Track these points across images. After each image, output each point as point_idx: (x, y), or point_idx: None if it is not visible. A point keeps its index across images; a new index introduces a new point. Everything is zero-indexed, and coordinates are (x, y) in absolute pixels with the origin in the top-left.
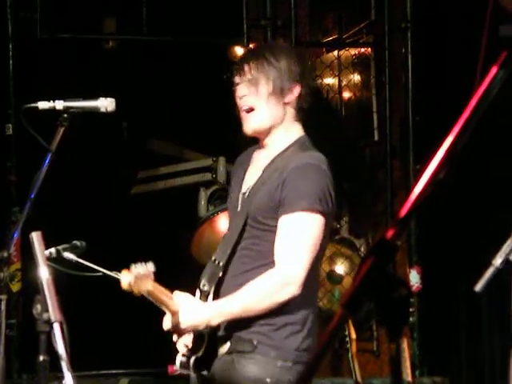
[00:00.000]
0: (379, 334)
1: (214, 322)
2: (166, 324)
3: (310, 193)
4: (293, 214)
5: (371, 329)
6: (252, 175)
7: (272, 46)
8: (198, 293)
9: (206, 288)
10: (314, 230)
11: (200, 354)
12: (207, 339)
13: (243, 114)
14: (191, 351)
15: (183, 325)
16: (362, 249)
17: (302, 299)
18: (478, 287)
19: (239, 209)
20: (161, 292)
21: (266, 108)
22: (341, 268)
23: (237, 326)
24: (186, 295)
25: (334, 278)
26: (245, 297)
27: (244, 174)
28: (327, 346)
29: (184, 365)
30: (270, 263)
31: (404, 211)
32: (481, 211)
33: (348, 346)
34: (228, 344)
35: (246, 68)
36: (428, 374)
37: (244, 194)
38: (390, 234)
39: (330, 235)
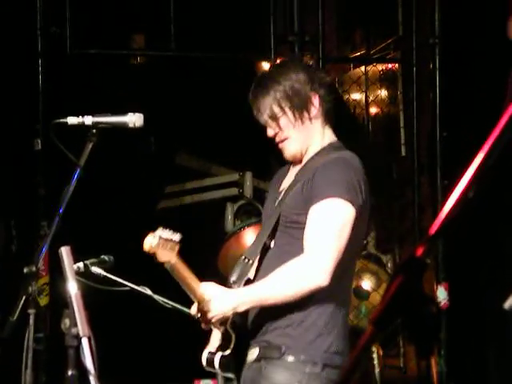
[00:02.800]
0: (406, 351)
1: (242, 307)
2: (194, 310)
3: (336, 182)
4: (319, 202)
5: (398, 345)
6: (286, 182)
7: (270, 73)
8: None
9: (234, 286)
10: (342, 217)
11: (226, 352)
12: (235, 338)
13: (279, 145)
14: (218, 349)
15: (212, 312)
16: (389, 264)
17: (331, 298)
18: (507, 305)
19: (272, 210)
20: (185, 271)
21: (296, 134)
22: (367, 284)
23: (264, 330)
24: (211, 283)
25: (360, 293)
26: (272, 282)
27: (280, 185)
28: (357, 363)
29: (210, 362)
30: None
31: (434, 229)
32: (508, 228)
33: (374, 362)
34: (257, 350)
35: (261, 107)
36: None
37: (277, 197)
38: (419, 251)
39: (365, 233)
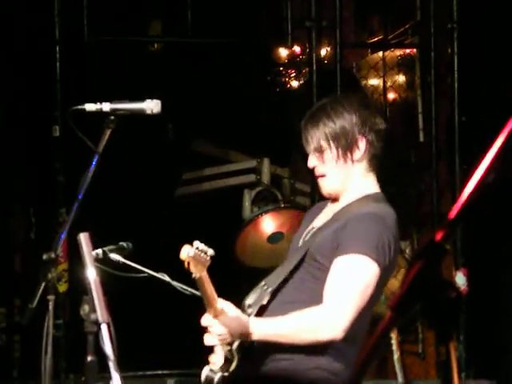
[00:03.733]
0: (424, 337)
1: (251, 337)
2: (206, 321)
3: (367, 239)
4: (347, 255)
5: (416, 331)
6: (320, 219)
7: (326, 106)
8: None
9: (249, 310)
10: (365, 275)
11: (226, 374)
12: (237, 362)
13: (318, 179)
14: (219, 369)
15: (222, 329)
16: (407, 251)
17: (338, 347)
18: None
19: (300, 244)
20: (209, 286)
21: (336, 172)
22: None
23: (267, 359)
24: (230, 304)
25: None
26: (287, 323)
27: (313, 219)
28: (376, 349)
29: (209, 380)
30: (319, 301)
31: (454, 213)
32: None
33: (393, 348)
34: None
35: (309, 137)
36: (474, 377)
37: (309, 232)
38: (439, 236)
39: (382, 291)
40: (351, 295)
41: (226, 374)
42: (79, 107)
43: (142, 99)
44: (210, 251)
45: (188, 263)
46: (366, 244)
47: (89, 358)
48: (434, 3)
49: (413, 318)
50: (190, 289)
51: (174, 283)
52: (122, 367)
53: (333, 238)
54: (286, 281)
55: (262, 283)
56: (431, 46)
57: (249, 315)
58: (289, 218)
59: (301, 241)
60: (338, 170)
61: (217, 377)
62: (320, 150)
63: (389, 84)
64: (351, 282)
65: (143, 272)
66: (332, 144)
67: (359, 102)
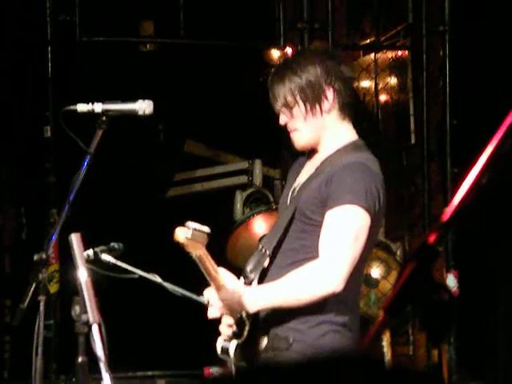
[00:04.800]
0: (415, 339)
1: (253, 308)
2: (208, 296)
3: (355, 188)
4: (337, 207)
5: (407, 333)
6: (303, 175)
7: (290, 62)
8: (242, 279)
9: (251, 276)
10: (357, 224)
11: (241, 340)
12: (249, 327)
13: (290, 135)
14: (232, 337)
15: (228, 300)
16: (398, 252)
17: (341, 301)
18: None
19: (288, 203)
20: (210, 262)
21: (306, 125)
22: (377, 271)
23: (274, 322)
24: (231, 275)
25: (369, 281)
26: (285, 286)
27: (296, 176)
28: (368, 351)
29: (224, 350)
30: (315, 257)
31: (447, 216)
32: None
33: (384, 350)
34: (265, 340)
35: (276, 94)
36: (464, 378)
37: (294, 190)
38: (431, 238)
39: (374, 240)
40: (346, 246)
41: (240, 340)
42: (71, 108)
43: (133, 100)
44: (206, 228)
45: (186, 245)
46: (355, 194)
47: (80, 359)
48: (425, 6)
49: (404, 320)
50: (181, 290)
51: (165, 284)
52: (112, 368)
53: (319, 191)
54: (281, 242)
55: (260, 247)
56: (423, 49)
57: (251, 281)
58: None
59: (288, 199)
60: (308, 123)
61: (232, 345)
62: (288, 106)
63: (381, 86)
64: (344, 233)
65: (134, 273)
66: (299, 98)
67: (323, 52)
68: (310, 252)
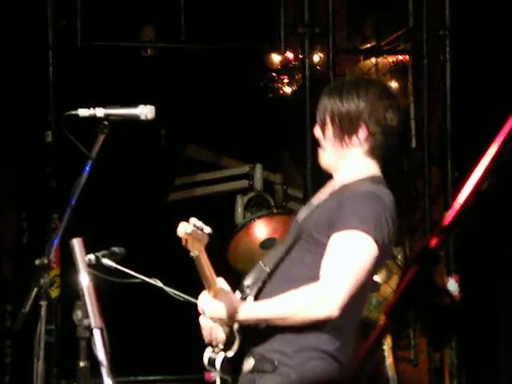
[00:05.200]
0: (417, 343)
1: (247, 322)
2: (203, 299)
3: (365, 216)
4: (344, 231)
5: (409, 337)
6: (318, 197)
7: (344, 85)
8: (238, 293)
9: (247, 291)
10: (363, 251)
11: (230, 354)
12: (239, 342)
13: (319, 150)
14: (222, 349)
15: (215, 312)
16: (399, 257)
17: (332, 323)
18: None
19: (299, 221)
20: (207, 264)
21: (331, 149)
22: (378, 276)
23: (261, 343)
24: (227, 286)
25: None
26: (281, 303)
27: (315, 198)
28: (369, 355)
29: (212, 362)
30: (314, 276)
31: (448, 220)
32: None
33: (385, 354)
34: (252, 361)
35: (320, 108)
36: None
37: (307, 209)
38: (433, 242)
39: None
40: (348, 271)
41: (229, 354)
42: (72, 113)
43: (135, 105)
44: (207, 229)
45: (186, 240)
46: (364, 221)
47: (81, 364)
48: (426, 10)
49: (406, 324)
50: (182, 294)
51: (167, 289)
52: (114, 372)
53: (329, 214)
54: (282, 259)
55: (260, 263)
56: (424, 53)
57: (247, 296)
58: (281, 223)
59: (299, 219)
60: (333, 149)
61: (219, 357)
62: (323, 123)
63: None
64: (348, 258)
65: (136, 277)
66: (333, 122)
67: (378, 91)
68: (309, 272)
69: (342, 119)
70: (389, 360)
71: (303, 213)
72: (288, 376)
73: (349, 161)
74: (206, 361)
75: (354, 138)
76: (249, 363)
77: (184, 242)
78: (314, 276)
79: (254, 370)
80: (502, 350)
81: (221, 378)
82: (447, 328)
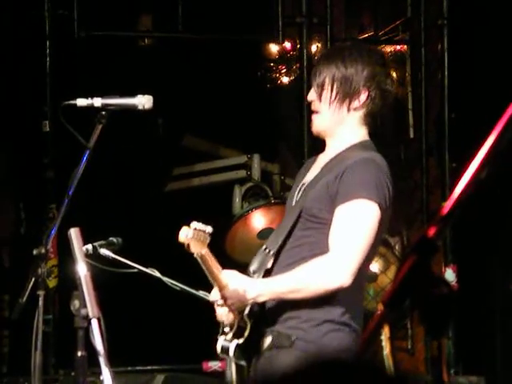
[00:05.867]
0: (414, 333)
1: (261, 298)
2: (214, 296)
3: (366, 183)
4: (349, 202)
5: (406, 327)
6: (312, 172)
7: (345, 50)
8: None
9: (254, 276)
10: (370, 219)
11: (241, 340)
12: (250, 327)
13: (312, 115)
14: (233, 336)
15: (232, 299)
16: (397, 247)
17: (346, 296)
18: None
19: (294, 202)
20: (212, 261)
21: (328, 112)
22: (375, 266)
23: (277, 321)
24: (234, 272)
25: (368, 275)
26: (294, 277)
27: (306, 173)
28: (369, 344)
29: (225, 350)
30: (320, 254)
31: (446, 210)
32: None
33: (383, 344)
34: (269, 339)
35: (318, 72)
36: (463, 373)
37: (301, 188)
38: (431, 232)
39: (382, 236)
40: (357, 240)
41: (240, 341)
42: (71, 102)
43: (132, 94)
44: (209, 228)
45: (188, 245)
46: (366, 188)
47: (79, 354)
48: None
49: (403, 314)
50: (180, 284)
51: (164, 278)
52: (112, 362)
53: (328, 188)
54: (285, 241)
55: (263, 247)
56: (421, 43)
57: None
58: (279, 213)
59: (294, 199)
60: (331, 111)
61: (232, 345)
62: (322, 87)
63: None
64: (356, 227)
65: (133, 267)
66: (334, 86)
67: (377, 57)
68: (314, 249)
69: (344, 83)
70: (386, 350)
71: (297, 193)
72: (306, 350)
73: (346, 126)
74: (219, 349)
75: (356, 101)
76: (267, 341)
77: (186, 247)
78: (319, 253)
79: (272, 347)
80: (499, 339)
81: (236, 365)
82: (445, 317)
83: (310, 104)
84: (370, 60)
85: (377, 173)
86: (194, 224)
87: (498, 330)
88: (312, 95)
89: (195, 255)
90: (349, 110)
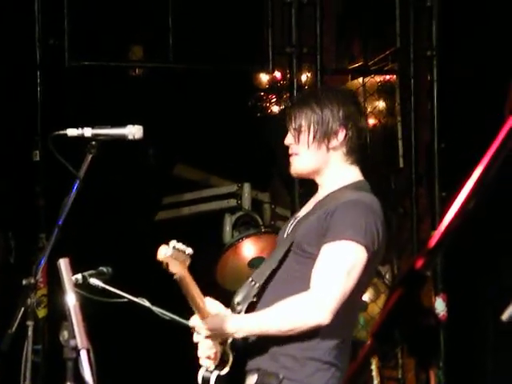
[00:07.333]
0: (404, 363)
1: (240, 334)
2: (193, 322)
3: (355, 225)
4: (335, 242)
5: (396, 357)
6: (304, 209)
7: (318, 93)
8: (229, 311)
9: (238, 307)
10: (354, 260)
11: (223, 372)
12: (232, 358)
13: (290, 158)
14: (216, 368)
15: (210, 330)
16: (387, 276)
17: (330, 333)
18: (505, 316)
19: (285, 236)
20: (193, 285)
21: (308, 154)
22: (365, 295)
23: (263, 358)
24: (216, 302)
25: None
26: (272, 314)
27: (299, 211)
28: (358, 375)
29: (205, 380)
30: (305, 289)
31: (434, 241)
32: (506, 236)
33: (373, 374)
34: (255, 377)
35: (293, 116)
36: None
37: (292, 223)
38: (419, 264)
39: (372, 277)
40: (337, 279)
41: (222, 372)
42: (61, 132)
43: (123, 124)
44: (189, 250)
45: (166, 264)
46: (354, 230)
47: None
48: (413, 30)
49: (393, 345)
50: (170, 314)
51: (154, 308)
52: None
53: (318, 224)
54: (273, 274)
55: (250, 280)
56: (410, 73)
57: (238, 312)
58: (269, 242)
59: (285, 233)
60: (310, 152)
61: (213, 376)
62: (299, 130)
63: (369, 110)
64: (338, 267)
65: (123, 297)
66: (311, 129)
67: (349, 97)
68: (301, 283)
69: (321, 124)
70: (377, 380)
71: (289, 227)
72: None
73: (332, 166)
74: (200, 380)
75: (334, 140)
76: (252, 378)
77: (165, 266)
78: (305, 288)
79: None
80: (489, 369)
81: None
82: (433, 349)
83: (287, 147)
84: (344, 100)
85: (367, 214)
86: (173, 243)
87: (489, 359)
88: (289, 139)
89: (175, 276)
90: (328, 149)
